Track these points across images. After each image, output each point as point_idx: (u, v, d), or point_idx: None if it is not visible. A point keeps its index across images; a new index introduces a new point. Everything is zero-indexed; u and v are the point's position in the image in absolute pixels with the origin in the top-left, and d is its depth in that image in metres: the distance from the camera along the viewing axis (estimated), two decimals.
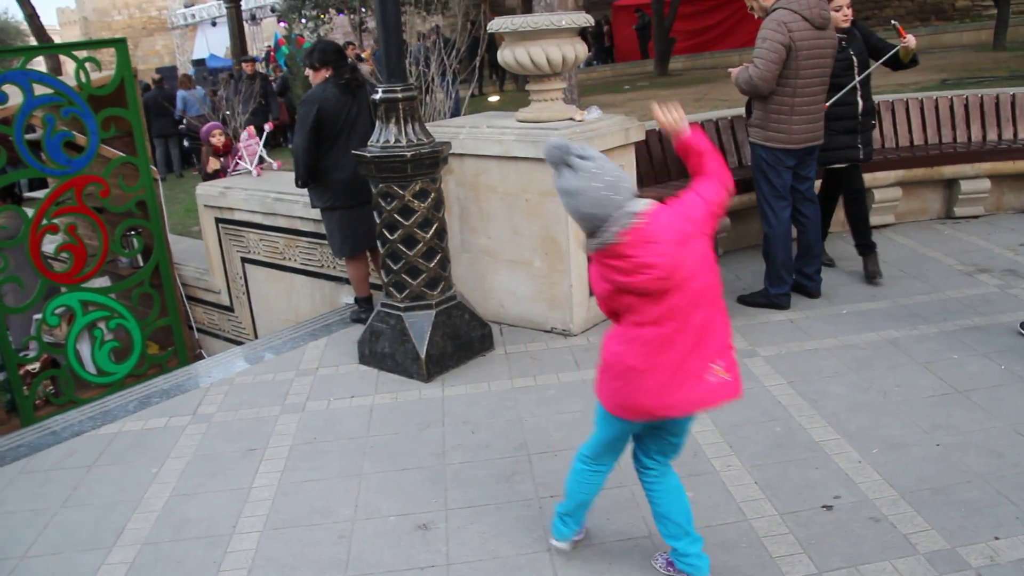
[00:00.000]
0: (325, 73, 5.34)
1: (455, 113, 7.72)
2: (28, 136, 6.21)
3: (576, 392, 4.47)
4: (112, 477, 4.14)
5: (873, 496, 3.40)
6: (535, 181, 4.97)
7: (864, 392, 4.24)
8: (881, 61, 5.49)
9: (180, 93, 16.24)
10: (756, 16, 5.16)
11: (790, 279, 5.31)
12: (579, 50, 4.99)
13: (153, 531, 3.66)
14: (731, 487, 3.53)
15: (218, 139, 7.57)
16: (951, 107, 7.13)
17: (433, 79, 6.80)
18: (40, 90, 6.12)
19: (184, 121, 15.04)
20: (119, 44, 6.76)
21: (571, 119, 5.06)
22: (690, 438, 3.88)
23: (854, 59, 5.36)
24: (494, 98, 14.38)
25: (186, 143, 15.89)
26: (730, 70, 5.29)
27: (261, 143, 7.37)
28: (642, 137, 5.37)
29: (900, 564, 2.99)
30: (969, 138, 7.09)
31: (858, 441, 3.80)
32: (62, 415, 4.90)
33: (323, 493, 3.78)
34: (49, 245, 6.84)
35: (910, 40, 5.37)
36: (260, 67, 18.92)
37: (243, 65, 16.11)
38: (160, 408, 4.82)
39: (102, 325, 6.79)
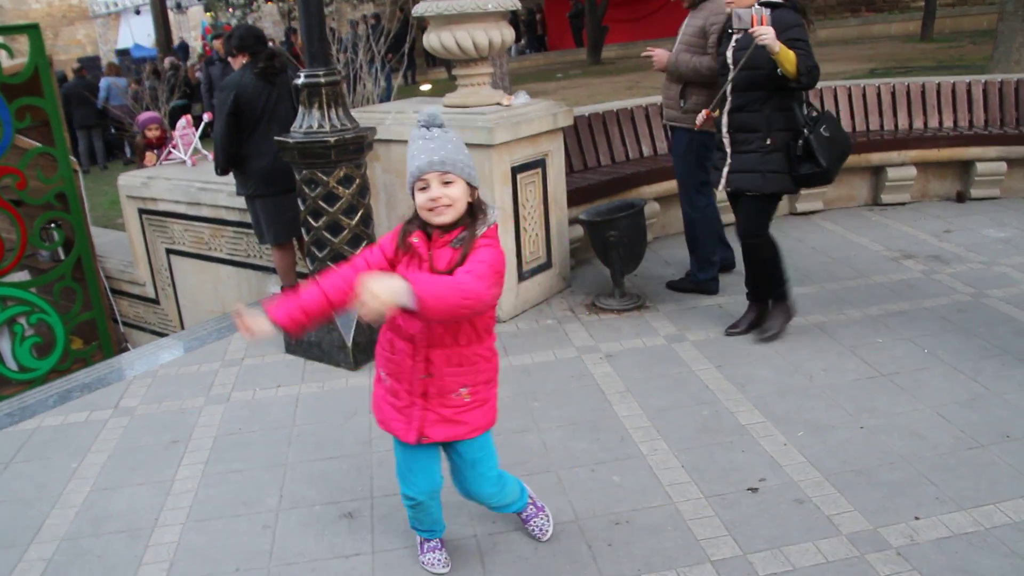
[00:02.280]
0: (243, 59, 5.25)
1: (386, 100, 7.65)
2: None
3: (503, 378, 4.37)
4: (29, 473, 4.02)
5: (798, 478, 3.44)
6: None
7: (791, 376, 4.30)
8: (739, 67, 4.33)
9: (105, 81, 15.82)
10: (685, 6, 5.16)
11: (717, 263, 5.35)
12: (506, 34, 4.96)
13: (72, 526, 3.55)
14: (658, 471, 3.55)
15: (153, 132, 7.39)
16: (879, 95, 7.27)
17: (361, 66, 6.71)
18: None
19: (107, 111, 14.66)
20: (32, 30, 6.56)
21: (498, 104, 5.04)
22: (617, 422, 3.94)
23: (729, 60, 4.47)
24: (426, 86, 14.29)
25: (112, 131, 15.49)
26: (653, 52, 5.18)
27: (197, 133, 7.20)
28: (570, 123, 5.37)
29: (823, 545, 3.03)
30: (896, 126, 7.25)
31: (784, 424, 3.85)
32: None
33: (248, 483, 3.71)
34: None
35: (760, 30, 4.15)
36: (196, 56, 18.52)
37: (165, 59, 15.78)
38: (81, 402, 4.69)
39: (22, 320, 6.60)
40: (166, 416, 4.42)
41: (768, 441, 3.73)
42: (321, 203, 4.55)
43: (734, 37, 4.44)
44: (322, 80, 4.42)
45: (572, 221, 5.56)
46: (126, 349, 7.36)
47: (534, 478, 3.54)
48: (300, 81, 4.47)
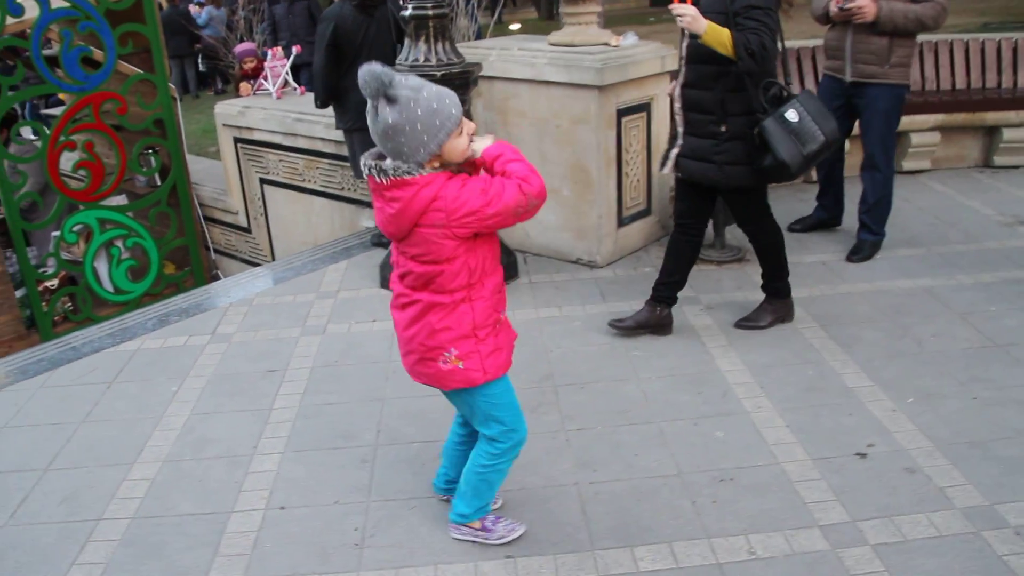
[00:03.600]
0: None
1: (477, 38, 7.52)
2: (45, 51, 6.06)
3: (602, 324, 4.38)
4: (132, 394, 4.10)
5: (908, 446, 3.32)
6: (567, 107, 4.82)
7: (899, 340, 4.14)
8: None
9: (206, 11, 15.87)
10: None
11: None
12: None
13: (173, 449, 3.62)
14: (762, 429, 3.45)
15: (249, 64, 7.38)
16: (998, 51, 6.89)
17: (457, 2, 6.59)
18: (56, 3, 5.94)
19: (202, 40, 14.73)
20: None
21: (606, 44, 4.89)
22: (719, 376, 3.84)
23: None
24: (515, 26, 14.06)
25: (202, 66, 15.60)
26: (859, 3, 4.57)
27: (287, 66, 7.18)
28: (678, 66, 5.18)
29: (936, 518, 2.91)
30: (1015, 84, 6.87)
31: (892, 389, 3.71)
32: (81, 331, 4.85)
33: (344, 416, 3.72)
34: (67, 163, 6.73)
35: (678, 8, 3.72)
36: None
37: None
38: (179, 327, 4.76)
39: (119, 243, 6.71)
40: (262, 345, 4.45)
41: (876, 406, 3.60)
42: None
43: None
44: (430, 12, 4.32)
45: None
46: (217, 276, 7.46)
47: (634, 428, 3.49)
48: (407, 12, 4.38)
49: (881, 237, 5.15)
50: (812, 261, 5.06)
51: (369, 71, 2.32)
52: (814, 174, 5.82)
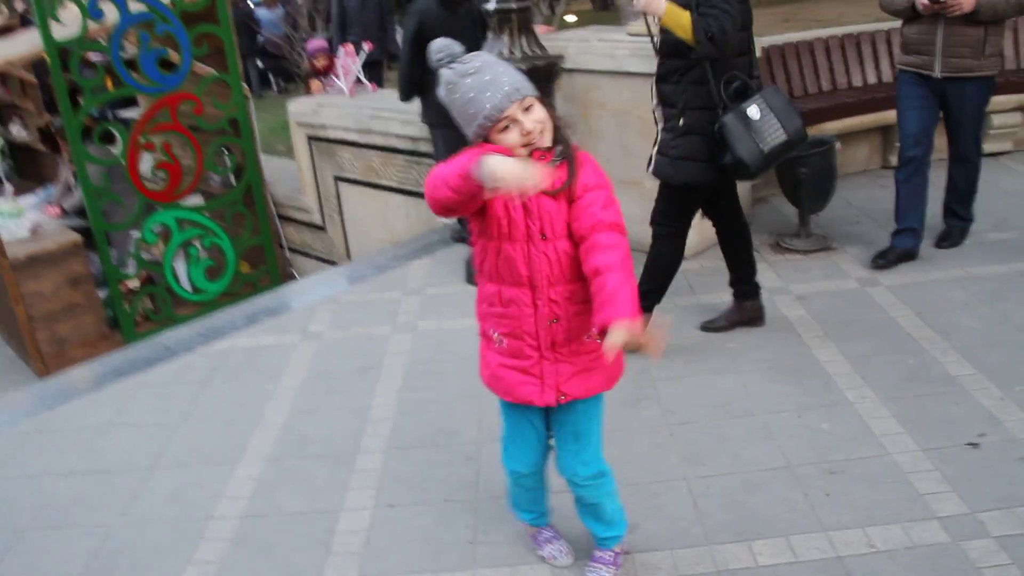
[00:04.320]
0: None
1: None
2: (124, 54, 6.17)
3: (693, 316, 4.34)
4: (229, 393, 4.16)
5: (1021, 435, 3.24)
6: (648, 98, 4.76)
7: (999, 326, 4.04)
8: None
9: (263, 12, 16.01)
10: None
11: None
12: None
13: (276, 448, 3.67)
14: (868, 420, 3.39)
15: (321, 61, 7.44)
16: None
17: None
18: (134, 7, 6.04)
19: (266, 40, 14.81)
20: None
21: None
22: (818, 367, 3.79)
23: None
24: (571, 17, 13.95)
25: (260, 63, 15.71)
26: None
27: (359, 63, 7.21)
28: (757, 54, 5.10)
29: None
30: None
31: (998, 377, 3.62)
32: (172, 331, 4.94)
33: (444, 413, 3.74)
34: (145, 164, 6.84)
35: None
36: None
37: None
38: (268, 325, 4.82)
39: (197, 243, 6.81)
40: (354, 342, 4.49)
41: (982, 394, 3.52)
42: None
43: None
44: (513, 6, 4.32)
45: None
46: (292, 275, 7.55)
47: (738, 421, 3.46)
48: (491, 7, 4.37)
49: (970, 222, 4.95)
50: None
51: (439, 44, 2.26)
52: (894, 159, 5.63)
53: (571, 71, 5.05)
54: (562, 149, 2.28)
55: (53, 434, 4.01)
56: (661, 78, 3.83)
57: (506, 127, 2.20)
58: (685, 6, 3.52)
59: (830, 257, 4.89)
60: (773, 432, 3.37)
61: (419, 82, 5.23)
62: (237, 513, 3.28)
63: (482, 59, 2.23)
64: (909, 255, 4.75)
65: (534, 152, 2.24)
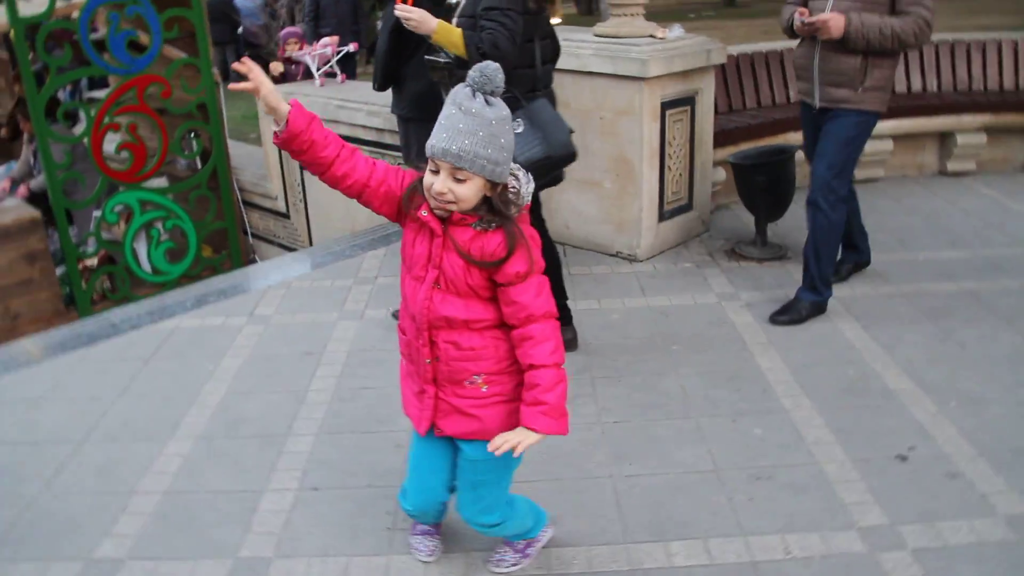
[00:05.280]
0: None
1: None
2: (93, 35, 6.11)
3: (641, 318, 4.35)
4: (169, 371, 4.12)
5: (950, 451, 3.25)
6: (611, 98, 4.79)
7: (942, 343, 4.06)
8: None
9: (243, 0, 15.97)
10: None
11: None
12: None
13: (208, 426, 3.63)
14: (801, 428, 3.40)
15: (292, 47, 7.41)
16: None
17: None
18: None
19: (241, 29, 14.77)
20: None
21: (652, 36, 4.85)
22: (758, 374, 3.79)
23: None
24: (555, 20, 13.93)
25: (237, 52, 15.64)
26: (821, 19, 3.91)
27: (336, 58, 7.17)
28: (723, 60, 5.13)
29: (978, 524, 2.85)
30: None
31: (935, 392, 3.63)
32: (120, 308, 4.89)
33: (381, 401, 3.71)
34: (110, 144, 6.78)
35: (403, 10, 3.71)
36: None
37: None
38: (217, 307, 4.78)
39: (159, 225, 6.76)
40: (300, 328, 4.46)
41: (918, 409, 3.53)
42: None
43: None
44: None
45: (716, 163, 5.37)
46: (254, 261, 7.50)
47: (671, 423, 3.45)
48: (454, 1, 4.35)
49: (824, 299, 4.32)
50: None
51: (485, 68, 2.09)
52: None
53: None
54: (493, 220, 2.17)
55: None
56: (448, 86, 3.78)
57: (434, 169, 2.13)
58: (472, 17, 3.55)
59: (784, 266, 4.91)
60: (705, 435, 3.36)
61: (394, 74, 5.19)
62: (161, 488, 3.24)
63: (491, 109, 2.08)
64: (860, 267, 4.75)
65: (453, 214, 2.17)
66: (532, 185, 2.25)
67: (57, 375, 4.14)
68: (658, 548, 2.77)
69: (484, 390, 2.31)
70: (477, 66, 2.09)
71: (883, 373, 3.79)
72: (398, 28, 5.03)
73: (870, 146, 6.13)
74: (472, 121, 2.06)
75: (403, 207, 2.28)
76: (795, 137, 5.70)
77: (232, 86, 2.15)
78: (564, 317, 3.86)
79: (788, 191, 4.90)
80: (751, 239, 5.05)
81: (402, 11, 3.56)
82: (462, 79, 2.20)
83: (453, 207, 2.15)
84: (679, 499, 3.01)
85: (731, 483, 3.08)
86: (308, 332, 4.40)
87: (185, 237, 6.88)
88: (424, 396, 2.39)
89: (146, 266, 6.84)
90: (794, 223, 5.41)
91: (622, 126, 4.78)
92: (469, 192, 2.13)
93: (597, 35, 4.96)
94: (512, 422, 2.30)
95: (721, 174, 5.45)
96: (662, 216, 5.03)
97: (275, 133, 2.22)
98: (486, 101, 2.08)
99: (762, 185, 4.77)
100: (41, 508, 3.18)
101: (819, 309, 4.29)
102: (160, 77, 6.36)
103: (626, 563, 2.72)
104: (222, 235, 7.27)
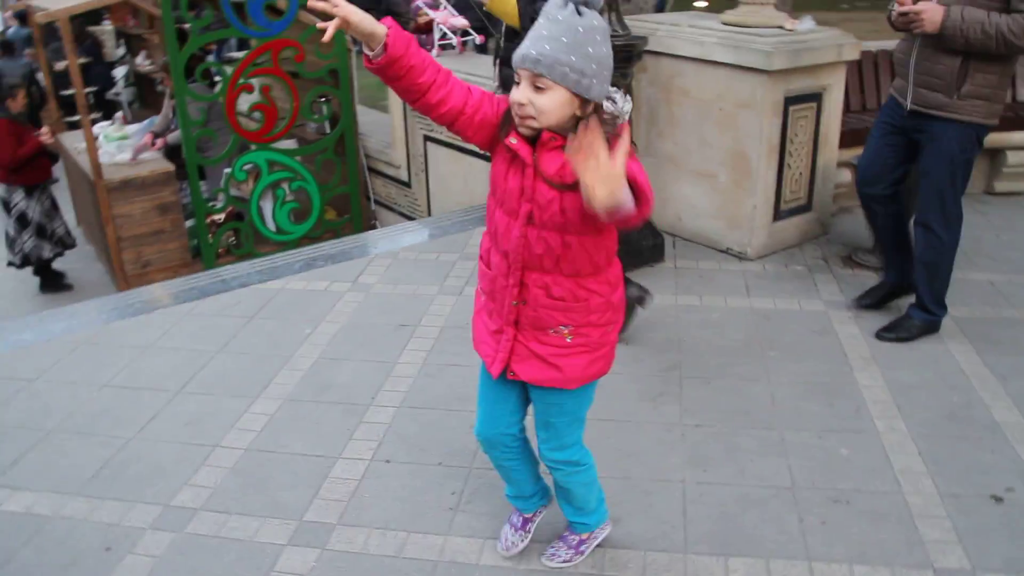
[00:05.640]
0: None
1: (659, 10, 7.32)
2: None
3: (742, 320, 4.20)
4: (268, 331, 4.25)
5: None
6: (732, 90, 4.63)
7: None
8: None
9: None
10: None
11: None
12: None
13: (296, 389, 3.73)
14: (891, 453, 3.21)
15: (423, 17, 7.48)
16: None
17: None
18: None
19: None
20: None
21: (780, 27, 4.65)
22: (855, 390, 3.61)
23: None
24: (701, 3, 13.57)
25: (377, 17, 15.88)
26: (919, 8, 3.52)
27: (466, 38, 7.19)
28: (856, 57, 4.86)
29: None
30: None
31: None
32: (233, 266, 5.07)
33: (466, 380, 3.71)
34: (243, 104, 7.02)
35: None
36: None
37: None
38: (323, 272, 4.90)
39: (285, 185, 6.98)
40: (399, 299, 4.52)
41: None
42: None
43: None
44: None
45: (840, 164, 5.13)
46: (375, 226, 7.65)
47: (754, 432, 3.33)
48: None
49: (937, 319, 4.04)
50: (979, 279, 4.66)
51: None
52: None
53: (659, 55, 4.92)
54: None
55: (100, 347, 4.18)
56: (506, 62, 3.70)
57: (518, 83, 2.01)
58: None
59: None
60: (787, 449, 3.24)
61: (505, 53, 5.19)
62: (243, 445, 3.36)
63: (581, 17, 1.94)
64: (896, 292, 4.25)
65: (543, 135, 2.03)
66: (630, 105, 2.09)
67: (166, 325, 4.33)
68: (717, 563, 2.69)
69: (568, 340, 2.23)
70: None
71: (991, 404, 3.55)
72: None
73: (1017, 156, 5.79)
74: (556, 27, 1.93)
75: (499, 135, 2.13)
76: None
77: (320, 25, 2.08)
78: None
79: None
80: (871, 247, 4.80)
81: None
82: None
83: (534, 123, 2.00)
84: (748, 513, 2.90)
85: (806, 503, 2.95)
86: (406, 304, 4.46)
87: (310, 199, 7.09)
88: (502, 337, 2.29)
89: (271, 224, 7.07)
90: None
91: (741, 119, 4.62)
92: (550, 103, 1.96)
93: (724, 23, 4.79)
94: (592, 371, 2.29)
95: (846, 176, 5.20)
96: (777, 215, 4.84)
97: (366, 57, 2.05)
98: (577, 11, 1.93)
99: None
100: (132, 452, 3.35)
101: (930, 329, 4.05)
102: (295, 42, 6.53)
103: (681, 573, 2.65)
104: (345, 199, 7.45)
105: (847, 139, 5.15)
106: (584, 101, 1.99)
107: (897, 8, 3.63)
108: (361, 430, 3.42)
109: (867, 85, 5.84)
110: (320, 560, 2.75)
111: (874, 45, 6.04)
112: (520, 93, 1.99)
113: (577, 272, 2.17)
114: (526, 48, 1.96)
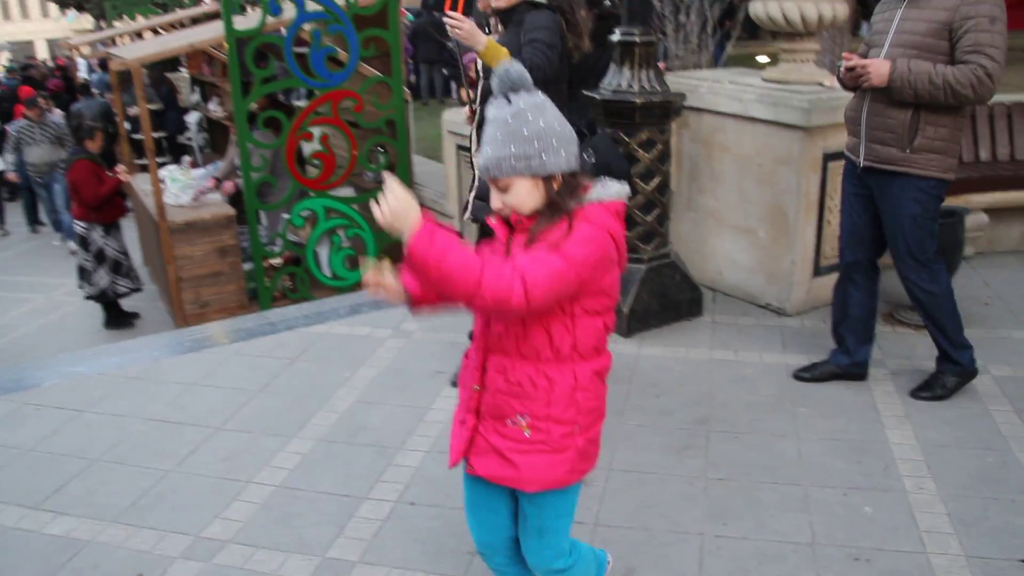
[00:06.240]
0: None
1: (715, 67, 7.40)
2: (297, 49, 6.57)
3: (775, 376, 4.20)
4: (309, 373, 4.38)
5: None
6: (771, 146, 4.67)
7: None
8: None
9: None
10: None
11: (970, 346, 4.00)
12: (838, 10, 4.58)
13: (331, 430, 3.84)
14: (917, 512, 3.17)
15: (474, 71, 7.68)
16: None
17: (692, 29, 6.52)
18: (311, 6, 6.43)
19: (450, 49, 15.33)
20: None
21: (820, 83, 4.69)
22: (885, 448, 3.58)
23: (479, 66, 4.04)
24: (763, 58, 13.60)
25: (445, 71, 16.24)
26: (863, 63, 3.54)
27: None
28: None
29: None
30: None
31: None
32: (281, 309, 5.23)
33: None
34: (303, 152, 7.26)
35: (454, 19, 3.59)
36: None
37: None
38: (367, 317, 5.03)
39: (341, 232, 7.14)
40: (437, 346, 4.62)
41: None
42: None
43: (493, 36, 3.80)
44: (637, 40, 4.33)
45: None
46: None
47: (778, 488, 3.32)
48: (615, 38, 4.40)
49: (966, 364, 3.93)
50: (1021, 338, 4.59)
51: (500, 69, 2.02)
52: None
53: (700, 111, 5.00)
54: (537, 225, 2.03)
55: (149, 382, 4.36)
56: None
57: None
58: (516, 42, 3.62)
59: None
60: (810, 506, 3.22)
61: (561, 108, 5.30)
62: (276, 482, 3.47)
63: (509, 108, 2.00)
64: (835, 375, 4.11)
65: (512, 216, 2.06)
66: (610, 188, 2.08)
67: (213, 364, 4.49)
68: None
69: (527, 434, 2.12)
70: (503, 67, 2.01)
71: None
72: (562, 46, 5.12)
73: None
74: (491, 128, 2.01)
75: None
76: (976, 200, 5.34)
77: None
78: None
79: (955, 256, 4.60)
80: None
81: (453, 20, 3.55)
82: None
83: (520, 209, 2.03)
84: (765, 567, 2.90)
85: (825, 560, 2.93)
86: (444, 351, 4.54)
87: (365, 246, 7.25)
88: (463, 427, 2.23)
89: (326, 270, 7.24)
90: (967, 292, 5.07)
91: (780, 175, 4.65)
92: (517, 197, 2.02)
93: (765, 79, 4.85)
94: (552, 476, 2.15)
95: None
96: (817, 271, 4.83)
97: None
98: (507, 99, 2.00)
99: None
100: (169, 484, 3.48)
101: (966, 376, 3.97)
102: (354, 92, 6.75)
103: None
104: (400, 247, 7.59)
105: None
106: (548, 177, 2.02)
107: (845, 64, 3.64)
108: (389, 472, 3.51)
109: None
110: None
111: None
112: (494, 200, 2.06)
113: (536, 355, 2.10)
114: (479, 160, 2.05)
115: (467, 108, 4.16)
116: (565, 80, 3.89)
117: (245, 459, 3.64)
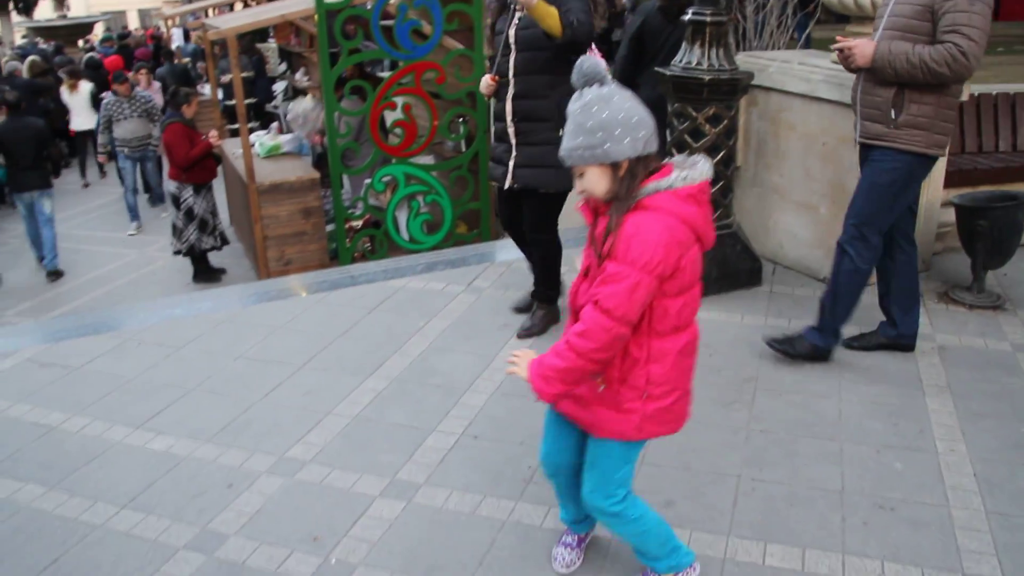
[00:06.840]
0: None
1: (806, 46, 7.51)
2: (383, 22, 6.90)
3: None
4: (386, 322, 4.73)
5: None
6: (836, 125, 4.83)
7: None
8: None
9: None
10: None
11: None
12: None
13: (405, 372, 4.18)
14: (946, 471, 3.36)
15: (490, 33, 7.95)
16: None
17: (771, 11, 6.65)
18: None
19: None
20: None
21: None
22: (923, 413, 3.77)
23: (511, 40, 4.30)
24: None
25: None
26: (850, 43, 3.83)
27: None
28: (963, 98, 4.94)
29: None
30: None
31: None
32: (361, 264, 5.59)
33: None
34: (386, 120, 7.60)
35: None
36: None
37: None
38: (442, 274, 5.36)
39: (420, 198, 7.50)
40: (506, 302, 4.93)
41: None
42: (687, 137, 4.73)
43: (516, 14, 4.20)
44: (707, 19, 4.54)
45: (944, 203, 5.24)
46: None
47: (815, 442, 3.55)
48: (687, 17, 4.62)
49: (826, 347, 4.18)
50: None
51: (586, 65, 2.23)
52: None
53: (768, 90, 5.18)
54: (611, 211, 2.24)
55: (238, 325, 4.77)
56: (521, 95, 4.25)
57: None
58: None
59: (996, 317, 4.72)
60: (844, 459, 3.44)
61: (630, 80, 5.56)
62: (352, 414, 3.83)
63: (571, 110, 2.23)
64: (883, 345, 4.31)
65: (591, 201, 2.32)
66: (701, 168, 2.27)
67: (297, 311, 4.88)
68: (756, 546, 2.94)
69: (600, 389, 2.38)
70: (583, 66, 2.21)
71: None
72: (638, 36, 5.38)
73: None
74: (568, 121, 2.24)
75: None
76: None
77: None
78: (555, 296, 4.68)
79: (1011, 240, 4.71)
80: (967, 285, 4.90)
81: None
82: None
83: (597, 195, 2.26)
84: (795, 509, 3.14)
85: (851, 505, 3.15)
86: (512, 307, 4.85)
87: (442, 212, 7.59)
88: None
89: (404, 234, 7.61)
90: (1021, 276, 5.19)
91: (843, 153, 4.81)
92: (590, 182, 2.24)
93: (833, 61, 5.00)
94: (615, 428, 2.41)
95: (950, 215, 5.29)
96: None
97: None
98: (580, 95, 2.23)
99: (982, 230, 4.63)
100: (256, 412, 3.87)
101: (817, 355, 4.18)
102: (437, 64, 7.07)
103: (722, 551, 2.92)
104: (476, 215, 7.92)
105: (953, 179, 5.25)
106: (615, 164, 2.22)
107: (835, 46, 3.93)
108: (456, 410, 3.83)
109: (984, 128, 5.89)
110: (405, 511, 3.16)
111: (995, 88, 6.11)
112: (577, 185, 2.30)
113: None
114: (563, 146, 2.27)
115: (488, 76, 4.45)
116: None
117: (325, 394, 4.00)
